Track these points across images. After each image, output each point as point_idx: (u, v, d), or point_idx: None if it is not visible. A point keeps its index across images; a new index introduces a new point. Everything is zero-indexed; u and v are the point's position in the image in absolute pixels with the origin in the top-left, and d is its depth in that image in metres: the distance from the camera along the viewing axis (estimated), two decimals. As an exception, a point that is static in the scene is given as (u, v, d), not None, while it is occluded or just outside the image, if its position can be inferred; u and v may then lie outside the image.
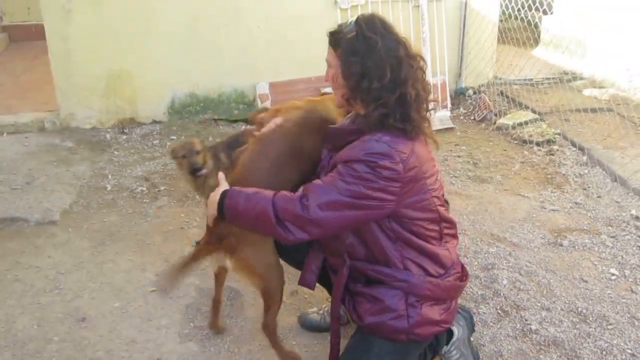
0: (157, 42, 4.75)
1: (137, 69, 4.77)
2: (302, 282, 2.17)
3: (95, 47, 4.68)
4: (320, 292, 2.45)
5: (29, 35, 7.15)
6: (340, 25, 1.91)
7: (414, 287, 1.93)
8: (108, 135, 4.64)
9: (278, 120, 2.15)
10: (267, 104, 4.78)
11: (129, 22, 4.67)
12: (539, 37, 7.28)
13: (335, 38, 1.89)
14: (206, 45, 4.81)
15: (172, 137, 4.59)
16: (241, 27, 4.84)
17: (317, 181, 1.89)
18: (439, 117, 4.84)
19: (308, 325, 2.51)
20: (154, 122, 4.83)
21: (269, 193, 1.90)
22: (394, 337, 1.97)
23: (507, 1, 5.75)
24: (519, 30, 6.22)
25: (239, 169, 2.16)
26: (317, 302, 2.66)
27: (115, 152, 4.35)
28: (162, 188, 3.79)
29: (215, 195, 1.98)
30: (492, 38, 5.44)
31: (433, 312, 1.96)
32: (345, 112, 2.08)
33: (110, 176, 3.95)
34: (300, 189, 1.90)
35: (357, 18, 1.85)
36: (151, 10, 4.69)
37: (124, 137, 4.62)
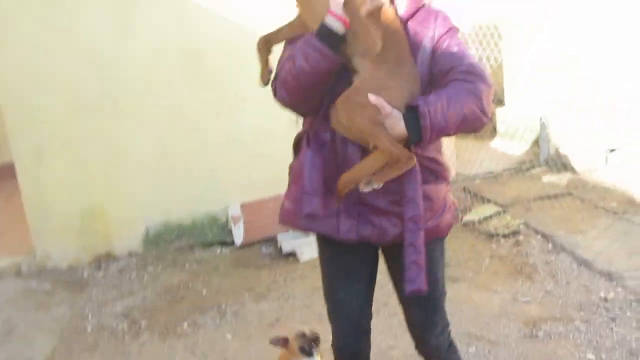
0: (128, 175, 4.89)
1: (110, 203, 4.89)
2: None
3: (68, 186, 4.80)
4: None
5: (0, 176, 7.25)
6: None
7: (447, 170, 2.04)
8: (85, 273, 4.69)
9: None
10: (240, 225, 4.91)
11: (99, 159, 4.82)
12: (495, 128, 7.61)
13: None
14: (176, 173, 4.97)
15: (149, 269, 4.65)
16: (209, 151, 5.02)
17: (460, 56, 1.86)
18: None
19: None
20: (130, 254, 4.90)
21: (461, 90, 1.79)
22: (446, 233, 2.09)
23: None
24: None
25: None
26: None
27: (94, 290, 4.39)
28: (143, 323, 3.82)
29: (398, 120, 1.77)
30: (451, 137, 5.69)
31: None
32: None
33: (90, 316, 3.98)
34: (457, 68, 1.83)
35: None
36: (120, 145, 4.86)
37: (101, 273, 4.68)
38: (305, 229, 2.03)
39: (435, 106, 1.74)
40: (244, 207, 4.93)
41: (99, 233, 4.90)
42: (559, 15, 5.73)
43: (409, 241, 1.89)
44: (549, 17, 5.84)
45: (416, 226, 1.88)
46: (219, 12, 4.84)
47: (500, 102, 7.47)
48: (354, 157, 1.90)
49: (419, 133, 1.76)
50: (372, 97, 1.72)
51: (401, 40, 1.86)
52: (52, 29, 4.59)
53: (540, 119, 6.16)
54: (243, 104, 4.95)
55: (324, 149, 1.95)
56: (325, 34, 1.78)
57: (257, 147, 5.00)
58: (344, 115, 1.78)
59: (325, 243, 2.14)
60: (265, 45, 2.03)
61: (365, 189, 1.84)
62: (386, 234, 1.96)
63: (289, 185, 2.08)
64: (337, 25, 1.78)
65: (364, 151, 1.87)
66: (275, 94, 1.95)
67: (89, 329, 3.82)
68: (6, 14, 4.51)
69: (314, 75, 1.82)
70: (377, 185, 1.84)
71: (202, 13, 4.82)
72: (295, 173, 2.03)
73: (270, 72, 2.03)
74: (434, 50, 1.90)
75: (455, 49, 1.88)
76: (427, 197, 1.93)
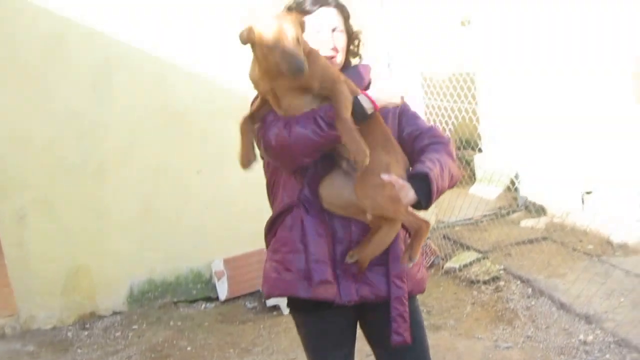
0: (111, 235, 4.93)
1: (94, 263, 4.91)
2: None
3: (52, 248, 4.82)
4: None
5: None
6: None
7: None
8: (70, 334, 4.68)
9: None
10: (224, 280, 4.94)
11: (82, 220, 4.87)
12: (474, 175, 7.76)
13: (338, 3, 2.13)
14: (160, 232, 5.02)
15: (134, 327, 4.66)
16: (191, 209, 5.08)
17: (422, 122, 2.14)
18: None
19: None
20: (114, 313, 4.90)
21: (442, 153, 2.03)
22: (424, 287, 2.20)
23: None
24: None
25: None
26: None
27: (79, 350, 4.38)
28: (127, 382, 3.84)
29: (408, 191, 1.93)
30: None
31: None
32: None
33: (74, 377, 3.98)
34: (426, 132, 2.09)
35: None
36: (103, 205, 4.91)
37: (86, 333, 4.67)
38: (310, 297, 2.02)
39: (435, 171, 1.94)
40: (227, 262, 4.97)
41: (83, 293, 4.91)
42: (531, 63, 5.94)
43: (395, 295, 2.00)
44: (522, 65, 6.04)
45: (401, 282, 2.02)
46: (195, 72, 4.96)
47: (477, 149, 7.65)
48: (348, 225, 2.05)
49: (428, 197, 1.94)
50: (385, 177, 1.89)
51: (378, 116, 2.01)
52: (32, 95, 4.69)
53: (516, 164, 6.31)
54: (224, 161, 5.03)
55: (322, 217, 2.03)
56: (358, 113, 1.92)
57: (238, 203, 5.06)
58: (367, 200, 1.91)
59: (310, 315, 2.15)
60: (250, 124, 2.03)
61: (409, 264, 1.98)
62: (381, 291, 2.04)
63: (277, 254, 2.10)
64: (368, 106, 1.94)
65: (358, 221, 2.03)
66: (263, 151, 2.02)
67: (74, 391, 3.81)
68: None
69: (312, 147, 1.92)
70: (416, 259, 1.97)
71: (179, 74, 4.94)
72: (290, 242, 2.05)
73: (254, 154, 2.04)
74: (399, 116, 2.09)
75: (414, 112, 2.11)
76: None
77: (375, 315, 2.14)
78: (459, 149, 6.31)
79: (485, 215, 6.22)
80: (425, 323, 4.10)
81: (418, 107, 5.48)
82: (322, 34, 2.06)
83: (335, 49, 2.07)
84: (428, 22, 6.61)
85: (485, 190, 7.16)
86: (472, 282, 4.74)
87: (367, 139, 1.86)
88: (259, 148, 2.01)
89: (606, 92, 5.44)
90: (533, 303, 4.29)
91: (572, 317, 4.00)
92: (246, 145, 2.02)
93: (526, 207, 6.28)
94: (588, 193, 6.02)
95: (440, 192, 1.97)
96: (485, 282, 4.68)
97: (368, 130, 1.93)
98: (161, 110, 4.90)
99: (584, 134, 5.57)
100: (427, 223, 1.98)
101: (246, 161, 2.01)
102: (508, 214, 6.15)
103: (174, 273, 5.06)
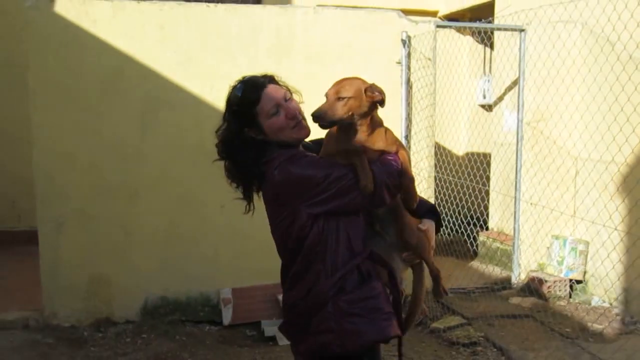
0: (135, 252, 5.50)
1: (116, 275, 5.47)
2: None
3: (81, 256, 5.40)
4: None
5: (17, 240, 7.84)
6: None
7: None
8: (85, 333, 5.20)
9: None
10: (229, 307, 5.44)
11: (111, 235, 5.45)
12: (476, 251, 8.21)
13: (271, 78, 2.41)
14: (178, 255, 5.56)
15: (143, 336, 5.16)
16: (210, 239, 5.63)
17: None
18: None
19: None
20: (127, 321, 5.41)
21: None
22: None
23: (452, 218, 6.74)
24: (460, 244, 7.12)
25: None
26: None
27: (92, 349, 4.90)
28: (131, 379, 4.33)
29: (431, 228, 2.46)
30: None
31: None
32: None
33: (85, 370, 4.49)
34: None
35: None
36: (131, 225, 5.49)
37: (100, 334, 5.18)
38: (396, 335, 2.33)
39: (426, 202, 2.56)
40: (235, 291, 5.48)
41: (103, 299, 5.45)
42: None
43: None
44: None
45: None
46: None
47: (484, 227, 8.13)
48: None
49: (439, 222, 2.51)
50: (422, 226, 2.43)
51: None
52: (86, 119, 5.38)
53: (513, 245, 6.77)
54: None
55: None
56: None
57: (254, 240, 5.51)
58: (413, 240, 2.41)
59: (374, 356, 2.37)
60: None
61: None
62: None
63: (360, 303, 2.27)
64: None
65: None
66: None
67: (84, 380, 4.31)
68: (54, 110, 5.32)
69: None
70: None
71: (218, 118, 5.55)
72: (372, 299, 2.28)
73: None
74: None
75: None
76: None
77: None
78: (467, 224, 6.80)
79: (479, 288, 6.64)
80: (403, 372, 4.58)
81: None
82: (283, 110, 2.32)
83: (299, 113, 2.35)
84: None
85: (485, 266, 7.58)
86: (452, 344, 5.16)
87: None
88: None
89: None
90: (504, 370, 4.71)
91: (536, 387, 4.41)
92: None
93: (522, 288, 6.64)
94: (579, 282, 6.45)
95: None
96: (464, 345, 5.10)
97: None
98: (196, 147, 5.44)
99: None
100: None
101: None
102: (500, 290, 6.57)
103: (186, 294, 5.57)
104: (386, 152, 2.29)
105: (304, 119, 2.36)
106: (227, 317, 5.43)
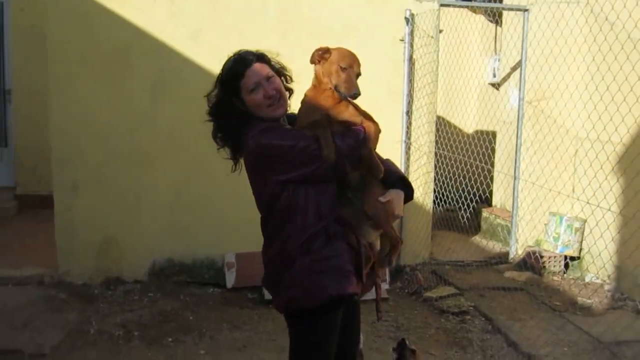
0: (144, 216, 5.79)
1: (126, 237, 5.77)
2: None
3: (94, 218, 5.70)
4: None
5: (37, 204, 8.18)
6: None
7: None
8: (96, 290, 5.53)
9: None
10: (233, 271, 5.72)
11: (123, 199, 5.76)
12: (479, 226, 8.40)
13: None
14: (186, 220, 5.84)
15: (150, 294, 5.48)
16: (216, 206, 5.89)
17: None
18: (377, 288, 5.77)
19: None
20: (136, 281, 5.73)
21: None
22: None
23: (456, 195, 6.96)
24: (464, 219, 7.32)
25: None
26: None
27: (101, 305, 5.22)
28: (136, 333, 4.64)
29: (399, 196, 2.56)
30: (427, 226, 6.50)
31: None
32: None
33: (94, 322, 4.81)
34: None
35: None
36: (142, 189, 5.77)
37: (110, 292, 5.51)
38: (354, 292, 2.55)
39: (394, 167, 2.68)
40: (238, 256, 5.76)
41: (113, 259, 5.77)
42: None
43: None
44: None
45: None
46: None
47: (488, 204, 8.31)
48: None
49: (411, 193, 2.63)
50: (382, 199, 2.53)
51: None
52: (102, 90, 5.67)
53: (511, 219, 6.95)
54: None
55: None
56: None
57: (254, 211, 5.79)
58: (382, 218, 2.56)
59: (335, 312, 2.53)
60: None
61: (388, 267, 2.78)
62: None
63: (323, 262, 2.48)
64: None
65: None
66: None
67: (92, 331, 4.65)
68: (70, 78, 5.60)
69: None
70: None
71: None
72: (333, 258, 2.50)
73: None
74: None
75: None
76: None
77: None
78: (471, 201, 6.98)
79: (475, 261, 6.85)
80: (392, 335, 4.84)
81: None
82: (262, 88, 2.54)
83: (278, 92, 2.55)
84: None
85: (486, 241, 7.78)
86: (442, 312, 5.39)
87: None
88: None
89: None
90: (488, 337, 4.92)
91: (517, 354, 4.62)
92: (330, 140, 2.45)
93: (519, 263, 6.82)
94: (573, 259, 6.63)
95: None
96: (454, 314, 5.34)
97: None
98: (204, 117, 5.68)
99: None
100: (402, 241, 2.70)
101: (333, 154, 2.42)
102: (497, 264, 6.77)
103: (192, 257, 5.87)
104: (350, 122, 2.50)
105: (282, 98, 2.59)
106: (230, 280, 5.72)
